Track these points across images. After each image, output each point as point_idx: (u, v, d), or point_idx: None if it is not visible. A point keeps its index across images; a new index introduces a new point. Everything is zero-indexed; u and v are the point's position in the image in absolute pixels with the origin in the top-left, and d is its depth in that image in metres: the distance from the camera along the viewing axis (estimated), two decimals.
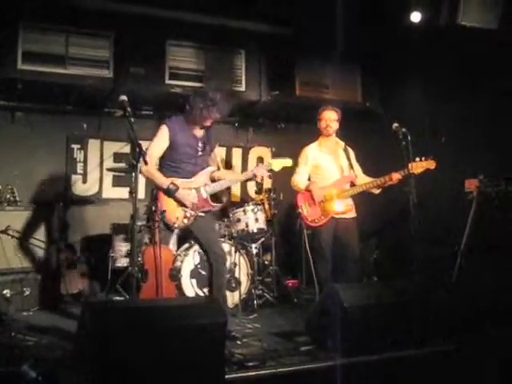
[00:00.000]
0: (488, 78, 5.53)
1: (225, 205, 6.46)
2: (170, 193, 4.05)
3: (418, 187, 4.45)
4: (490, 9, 4.88)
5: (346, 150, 5.18)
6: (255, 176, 4.30)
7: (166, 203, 4.12)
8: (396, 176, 4.74)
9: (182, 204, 4.14)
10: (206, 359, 3.00)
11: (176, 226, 4.16)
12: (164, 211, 4.01)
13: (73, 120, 6.61)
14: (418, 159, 4.62)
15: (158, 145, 4.17)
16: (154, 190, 4.23)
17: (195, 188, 4.21)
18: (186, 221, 4.17)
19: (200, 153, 4.27)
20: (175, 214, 4.10)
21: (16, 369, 2.89)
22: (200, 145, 4.26)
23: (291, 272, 6.68)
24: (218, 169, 4.52)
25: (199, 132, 4.27)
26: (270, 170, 4.40)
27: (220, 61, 6.45)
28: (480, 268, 4.90)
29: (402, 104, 6.64)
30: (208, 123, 4.23)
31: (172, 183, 4.06)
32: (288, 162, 4.43)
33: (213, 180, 4.36)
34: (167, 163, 4.19)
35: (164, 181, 4.08)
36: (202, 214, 4.25)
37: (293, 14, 6.21)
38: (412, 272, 4.39)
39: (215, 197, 5.91)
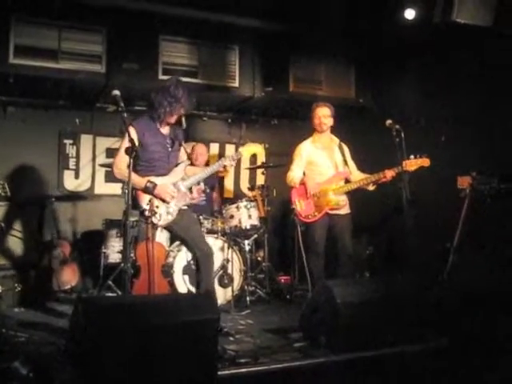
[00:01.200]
0: (481, 75, 5.55)
1: (217, 201, 6.48)
2: (148, 191, 4.03)
3: (411, 183, 4.45)
4: (485, 6, 4.87)
5: (340, 147, 5.18)
6: (225, 167, 4.29)
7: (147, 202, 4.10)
8: (390, 173, 4.74)
9: (162, 201, 4.12)
10: (199, 355, 3.00)
11: (161, 223, 4.13)
12: (147, 209, 3.99)
13: (65, 115, 6.57)
14: (412, 157, 4.62)
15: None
16: (132, 190, 4.18)
17: (173, 183, 4.20)
18: (170, 217, 4.14)
19: (170, 149, 4.26)
20: (158, 212, 4.08)
21: (7, 365, 2.88)
22: (168, 141, 4.26)
23: (284, 268, 6.68)
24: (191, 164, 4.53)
25: (165, 129, 4.26)
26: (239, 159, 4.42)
27: (213, 56, 6.42)
28: (472, 264, 4.91)
29: (396, 101, 6.64)
30: (173, 120, 4.21)
31: (149, 181, 4.04)
32: (257, 148, 4.48)
33: None
34: (140, 163, 4.14)
35: (141, 180, 4.04)
36: (185, 207, 4.26)
37: (287, 10, 6.18)
38: (405, 268, 4.40)
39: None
